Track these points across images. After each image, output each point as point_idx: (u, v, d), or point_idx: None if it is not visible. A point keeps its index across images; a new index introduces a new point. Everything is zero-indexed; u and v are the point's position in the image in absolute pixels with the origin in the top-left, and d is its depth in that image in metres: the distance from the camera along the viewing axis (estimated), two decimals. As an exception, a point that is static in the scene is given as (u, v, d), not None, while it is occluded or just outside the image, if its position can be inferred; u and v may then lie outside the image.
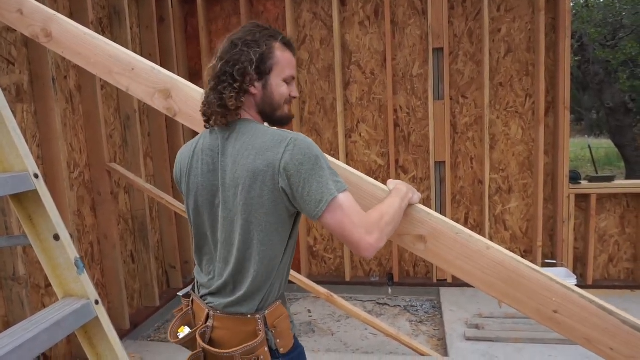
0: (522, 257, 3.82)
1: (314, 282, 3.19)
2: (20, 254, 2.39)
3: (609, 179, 3.79)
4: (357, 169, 3.96)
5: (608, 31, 8.71)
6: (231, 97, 1.23)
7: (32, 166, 1.00)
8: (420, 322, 3.54)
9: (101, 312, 1.00)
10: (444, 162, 3.82)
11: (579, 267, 3.82)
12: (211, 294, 1.35)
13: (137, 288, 3.61)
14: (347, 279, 4.07)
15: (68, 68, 2.99)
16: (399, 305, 3.80)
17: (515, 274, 1.33)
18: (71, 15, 3.03)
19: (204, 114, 1.31)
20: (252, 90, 1.28)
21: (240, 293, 1.28)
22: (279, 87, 1.29)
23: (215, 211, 1.31)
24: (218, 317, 1.30)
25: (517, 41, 3.71)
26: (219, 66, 1.27)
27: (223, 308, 1.29)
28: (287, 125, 1.38)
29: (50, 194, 1.42)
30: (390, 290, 3.95)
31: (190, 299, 1.42)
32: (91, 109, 3.11)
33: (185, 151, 1.40)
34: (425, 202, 3.94)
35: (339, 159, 3.93)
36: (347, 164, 4.00)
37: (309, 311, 3.79)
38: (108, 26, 3.40)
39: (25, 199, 0.99)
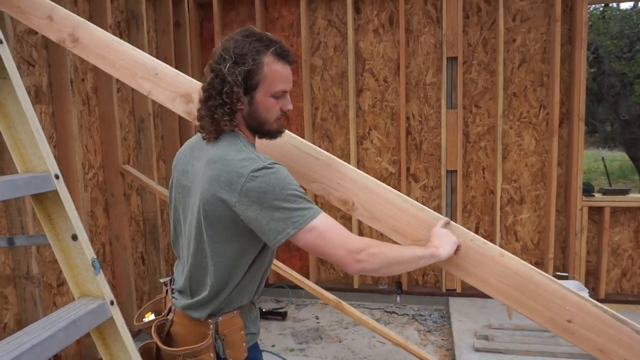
0: (533, 268, 3.81)
1: (322, 288, 3.19)
2: (34, 254, 2.43)
3: (624, 192, 3.74)
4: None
5: (624, 43, 8.63)
6: (225, 120, 1.23)
7: (53, 167, 1.01)
8: (428, 331, 3.51)
9: (116, 313, 1.02)
10: (456, 171, 3.81)
11: (591, 281, 3.77)
12: (177, 290, 1.38)
13: (146, 290, 3.63)
14: (356, 286, 4.06)
15: (86, 70, 3.04)
16: (407, 314, 3.78)
17: (529, 282, 1.32)
18: (90, 19, 3.08)
19: (198, 126, 1.31)
20: (239, 105, 1.26)
21: (195, 299, 1.30)
22: (265, 104, 1.26)
23: (186, 212, 1.33)
24: (178, 312, 1.34)
25: (532, 51, 3.69)
26: (209, 79, 1.26)
27: (181, 308, 1.32)
28: (276, 138, 1.36)
29: None
30: (398, 299, 3.93)
31: (167, 288, 1.46)
32: (107, 111, 3.15)
33: (186, 144, 1.44)
34: (436, 210, 3.90)
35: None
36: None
37: (317, 317, 3.78)
38: (126, 30, 3.45)
39: (46, 199, 1.01)
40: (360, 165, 4.04)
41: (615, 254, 3.75)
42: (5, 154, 2.30)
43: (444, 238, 1.30)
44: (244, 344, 1.33)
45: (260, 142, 1.39)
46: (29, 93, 2.61)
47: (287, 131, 1.45)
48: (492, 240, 3.79)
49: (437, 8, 3.78)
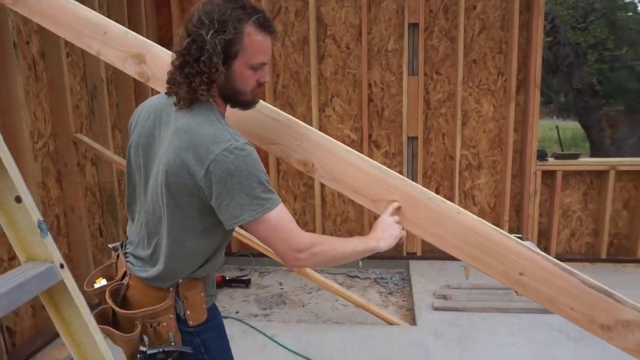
0: (490, 231, 3.95)
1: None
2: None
3: (574, 156, 3.90)
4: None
5: (579, 14, 8.87)
6: (202, 90, 1.18)
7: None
8: (389, 293, 3.61)
9: (67, 276, 0.98)
10: (417, 137, 3.86)
11: (543, 242, 3.95)
12: (133, 255, 1.35)
13: (104, 262, 3.55)
14: (320, 252, 4.11)
15: (30, 33, 2.85)
16: (369, 278, 3.87)
17: (484, 237, 1.37)
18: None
19: (171, 91, 1.24)
20: (216, 75, 1.20)
21: (154, 271, 1.27)
22: (243, 75, 1.22)
23: (147, 177, 1.29)
24: (134, 277, 1.31)
25: (491, 18, 3.73)
26: (185, 43, 1.18)
27: (142, 280, 1.29)
28: (249, 109, 1.33)
29: None
30: (360, 264, 4.01)
31: (117, 253, 1.42)
32: (56, 77, 2.99)
33: (145, 104, 1.37)
34: (398, 177, 3.98)
35: (312, 134, 3.92)
36: (321, 138, 3.99)
37: (280, 284, 3.81)
38: None
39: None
40: (322, 132, 4.01)
41: (566, 215, 3.93)
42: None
43: (388, 230, 1.35)
44: (204, 305, 1.32)
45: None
46: (-34, 55, 2.44)
47: None
48: (451, 205, 3.90)
49: (399, -27, 3.74)
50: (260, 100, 1.44)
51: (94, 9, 3.20)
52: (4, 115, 2.63)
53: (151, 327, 1.27)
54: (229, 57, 1.19)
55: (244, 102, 1.29)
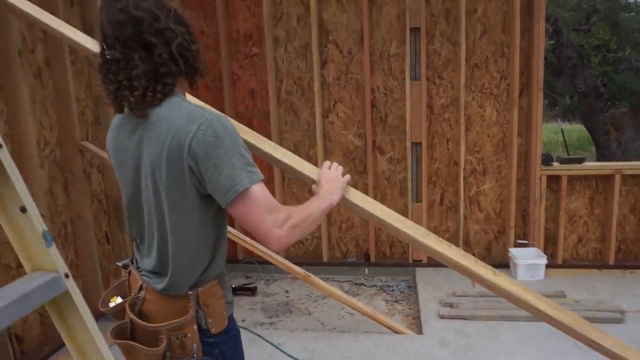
0: (496, 237, 3.93)
1: (291, 262, 3.20)
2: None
3: (580, 160, 3.88)
4: (334, 150, 3.99)
5: (582, 15, 8.85)
6: (170, 85, 1.18)
7: (-5, 136, 0.96)
8: (395, 301, 3.60)
9: (71, 286, 0.98)
10: (421, 143, 3.85)
11: (550, 247, 3.92)
12: (146, 270, 1.33)
13: (112, 269, 3.55)
14: (325, 259, 4.10)
15: (35, 41, 2.88)
16: (375, 285, 3.85)
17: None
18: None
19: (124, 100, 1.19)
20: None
21: (166, 279, 1.25)
22: (198, 52, 1.24)
23: (138, 189, 1.27)
24: (150, 289, 1.29)
25: (492, 22, 3.73)
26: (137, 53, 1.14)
27: (160, 291, 1.27)
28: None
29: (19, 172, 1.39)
30: (366, 271, 3.99)
31: (128, 270, 1.40)
32: (61, 84, 3.01)
33: (111, 126, 1.34)
34: (402, 183, 3.98)
35: (316, 140, 3.93)
36: (324, 144, 4.00)
37: (287, 292, 3.81)
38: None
39: (-12, 170, 0.95)
40: (326, 139, 4.03)
41: (572, 220, 3.90)
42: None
43: (334, 182, 1.36)
44: (225, 313, 1.31)
45: None
46: (-27, 65, 2.46)
47: None
48: (457, 211, 3.89)
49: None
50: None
51: (97, 7, 3.25)
52: (11, 123, 2.65)
53: (177, 339, 1.24)
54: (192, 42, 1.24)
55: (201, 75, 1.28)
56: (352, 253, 4.18)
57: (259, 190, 1.15)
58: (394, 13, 3.81)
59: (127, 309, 1.29)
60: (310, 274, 3.07)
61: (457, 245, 3.87)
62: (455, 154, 3.90)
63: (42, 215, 2.53)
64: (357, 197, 1.42)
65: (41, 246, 0.96)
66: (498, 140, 3.87)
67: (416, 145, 3.88)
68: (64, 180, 3.08)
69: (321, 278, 3.76)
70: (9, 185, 0.94)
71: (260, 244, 1.20)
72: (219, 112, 1.18)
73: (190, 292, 1.25)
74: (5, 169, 0.94)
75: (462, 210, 3.88)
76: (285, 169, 1.49)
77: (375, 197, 4.02)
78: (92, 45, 1.64)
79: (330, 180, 1.36)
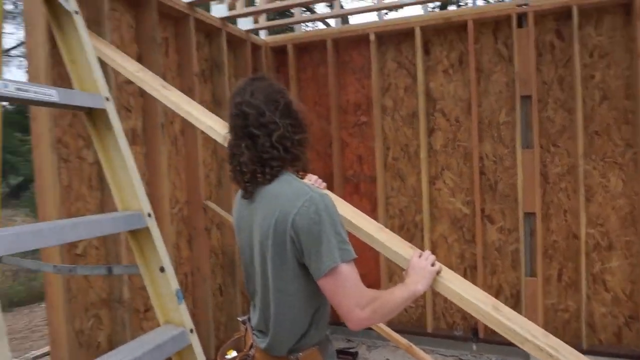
0: (627, 323, 3.49)
1: (393, 330, 3.14)
2: (126, 281, 2.65)
3: None
4: (442, 217, 3.93)
5: None
6: (277, 167, 1.36)
7: (146, 207, 1.16)
8: (505, 382, 3.31)
9: (195, 340, 1.11)
10: (534, 213, 3.65)
11: (695, 338, 3.38)
12: (254, 327, 1.45)
13: (223, 320, 3.78)
14: (429, 330, 3.95)
15: (174, 115, 3.33)
16: (483, 363, 3.60)
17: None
18: (179, 67, 3.41)
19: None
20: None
21: (268, 339, 1.35)
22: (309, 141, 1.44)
23: (252, 253, 1.41)
24: (258, 349, 1.39)
25: (613, 88, 3.52)
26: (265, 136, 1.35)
27: (263, 349, 1.37)
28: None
29: None
30: (474, 347, 3.76)
31: (245, 326, 1.52)
32: (192, 151, 3.42)
33: (240, 191, 1.53)
34: (514, 254, 3.77)
35: (422, 206, 3.92)
36: (431, 211, 3.97)
37: (387, 360, 3.71)
38: (209, 76, 3.76)
39: (140, 235, 1.15)
40: (433, 205, 4.00)
41: None
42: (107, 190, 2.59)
43: (422, 273, 1.38)
44: None
45: None
46: (127, 136, 2.92)
47: None
48: (577, 289, 3.56)
49: (508, 46, 3.75)
50: None
51: (224, 91, 3.68)
52: (151, 185, 3.06)
53: None
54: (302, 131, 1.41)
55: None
56: (459, 326, 3.97)
57: (348, 269, 1.23)
58: (503, 81, 3.79)
59: None
60: (413, 345, 2.98)
61: (579, 328, 3.51)
62: (574, 226, 3.62)
63: (163, 269, 2.80)
64: (454, 282, 1.41)
65: (174, 303, 1.11)
66: (626, 213, 3.53)
67: (529, 215, 3.68)
68: (188, 235, 3.41)
69: (425, 350, 3.62)
70: (154, 248, 1.12)
71: (342, 319, 1.26)
72: (323, 192, 1.30)
73: (291, 357, 1.32)
74: (152, 235, 1.12)
75: (584, 288, 3.53)
76: (379, 247, 1.54)
77: (484, 268, 3.85)
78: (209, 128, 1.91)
79: (419, 269, 1.39)
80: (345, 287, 1.22)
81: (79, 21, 1.24)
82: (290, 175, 1.37)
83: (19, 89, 1.03)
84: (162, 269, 1.12)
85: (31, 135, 2.36)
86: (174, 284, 1.11)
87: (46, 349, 3.91)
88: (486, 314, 1.33)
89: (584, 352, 3.41)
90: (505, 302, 3.78)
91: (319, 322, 1.36)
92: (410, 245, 1.54)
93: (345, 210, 1.55)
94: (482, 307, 1.34)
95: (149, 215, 1.15)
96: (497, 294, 3.85)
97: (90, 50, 1.25)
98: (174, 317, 1.11)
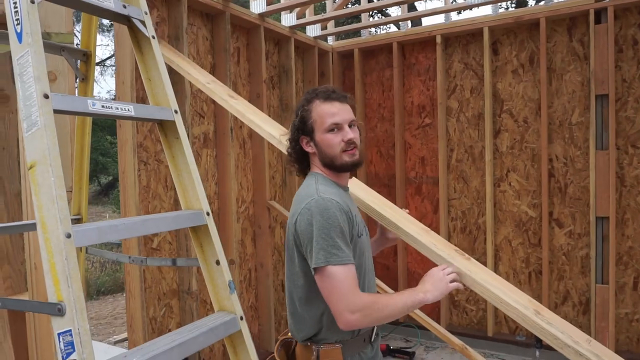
0: None
1: (453, 333, 3.14)
2: (195, 273, 2.89)
3: None
4: (505, 220, 3.86)
5: None
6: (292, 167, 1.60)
7: (205, 206, 1.31)
8: (572, 394, 3.18)
9: (244, 327, 1.24)
10: (608, 217, 3.46)
11: None
12: None
13: (284, 315, 3.96)
14: (490, 333, 3.87)
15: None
16: (547, 371, 3.47)
17: None
18: (249, 76, 3.63)
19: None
20: (310, 149, 1.49)
21: (291, 322, 1.49)
22: (324, 140, 1.45)
23: None
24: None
25: (703, 85, 3.25)
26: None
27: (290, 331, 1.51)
28: (354, 170, 1.51)
29: (222, 224, 1.80)
30: (538, 354, 3.63)
31: None
32: (259, 153, 3.63)
33: None
34: (583, 260, 3.60)
35: (486, 208, 3.85)
36: (495, 213, 3.89)
37: (446, 362, 3.69)
38: (277, 82, 3.95)
39: (200, 231, 1.30)
40: (497, 208, 3.92)
41: None
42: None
43: (436, 283, 1.39)
44: None
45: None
46: (199, 140, 3.18)
47: None
48: (655, 299, 3.34)
49: (584, 44, 3.58)
50: None
51: (292, 96, 3.86)
52: (220, 184, 3.30)
53: None
54: (310, 132, 1.47)
55: (342, 166, 1.46)
56: (522, 331, 3.86)
57: (339, 272, 1.30)
58: (577, 80, 3.63)
59: (277, 344, 1.56)
60: (467, 347, 2.96)
61: (655, 341, 3.30)
62: (653, 232, 3.39)
63: (233, 262, 3.05)
64: (493, 284, 1.43)
65: (226, 292, 1.25)
66: None
67: (602, 219, 3.50)
68: (253, 233, 3.63)
69: (484, 354, 3.59)
70: (212, 243, 1.28)
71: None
72: (327, 197, 1.37)
73: (314, 347, 1.42)
74: (209, 231, 1.28)
75: (662, 299, 3.30)
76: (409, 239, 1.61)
77: (550, 273, 3.71)
78: (269, 135, 2.07)
79: (433, 279, 1.42)
80: (335, 289, 1.30)
81: (155, 45, 1.43)
82: (314, 175, 1.49)
83: (103, 106, 1.22)
84: (217, 262, 1.26)
85: (117, 140, 2.66)
86: (227, 276, 1.25)
87: (126, 334, 4.32)
88: (525, 317, 1.34)
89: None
90: (573, 309, 3.64)
91: (323, 328, 1.42)
92: (456, 248, 1.58)
93: (377, 202, 1.65)
94: (522, 310, 1.35)
95: (208, 214, 1.30)
96: (564, 300, 3.70)
97: (164, 69, 1.43)
98: (227, 305, 1.25)
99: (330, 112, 1.44)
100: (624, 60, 3.48)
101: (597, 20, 3.49)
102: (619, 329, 3.49)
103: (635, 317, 3.47)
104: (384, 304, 1.33)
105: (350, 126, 1.47)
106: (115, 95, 2.80)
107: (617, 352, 3.42)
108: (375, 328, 1.53)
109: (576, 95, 3.63)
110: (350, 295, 1.30)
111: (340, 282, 1.30)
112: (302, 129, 1.49)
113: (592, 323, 3.49)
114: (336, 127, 1.44)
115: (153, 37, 1.44)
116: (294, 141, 1.52)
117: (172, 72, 2.86)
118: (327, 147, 1.45)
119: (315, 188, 1.42)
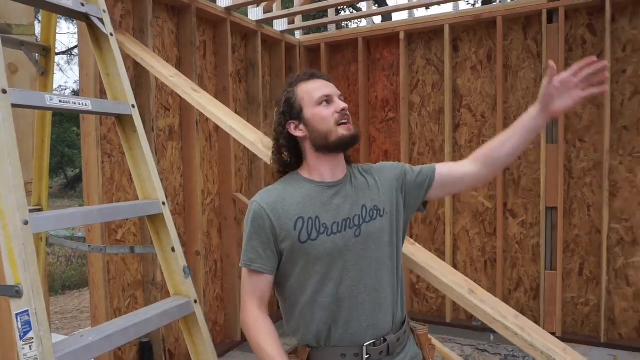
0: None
1: (414, 320, 3.27)
2: (159, 265, 2.94)
3: None
4: (464, 211, 4.02)
5: None
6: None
7: (162, 196, 1.38)
8: (521, 373, 3.39)
9: (198, 310, 1.33)
10: (556, 207, 3.67)
11: None
12: None
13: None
14: (448, 320, 4.05)
15: (209, 112, 3.61)
16: (500, 354, 3.67)
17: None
18: (215, 69, 3.67)
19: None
20: (300, 133, 1.32)
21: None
22: (316, 114, 1.29)
23: None
24: None
25: (644, 83, 3.47)
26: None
27: None
28: (353, 146, 1.35)
29: (188, 216, 1.89)
30: (492, 337, 3.83)
31: None
32: (225, 146, 3.68)
33: None
34: (535, 248, 3.81)
35: (445, 200, 4.01)
36: (454, 205, 4.06)
37: (407, 347, 3.84)
38: (244, 76, 4.01)
39: (156, 220, 1.38)
40: (456, 199, 4.09)
41: None
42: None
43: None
44: None
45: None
46: (164, 132, 3.22)
47: None
48: (599, 283, 3.57)
49: (538, 42, 3.76)
50: None
51: (259, 90, 3.92)
52: (185, 177, 3.34)
53: None
54: (298, 113, 1.31)
55: (338, 142, 1.29)
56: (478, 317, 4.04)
57: (244, 275, 1.31)
58: (531, 77, 3.81)
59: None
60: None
61: (599, 321, 3.53)
62: (597, 221, 3.61)
63: (199, 253, 3.12)
64: (434, 267, 1.55)
65: (181, 277, 1.33)
66: (652, 210, 3.49)
67: (551, 210, 3.71)
68: (219, 224, 3.69)
69: (443, 339, 3.76)
70: (166, 231, 1.35)
71: None
72: (254, 200, 1.32)
73: (297, 345, 1.32)
74: (166, 221, 1.35)
75: (604, 283, 3.53)
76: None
77: (505, 262, 3.91)
78: (230, 128, 2.13)
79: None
80: (243, 287, 1.31)
81: (113, 42, 1.49)
82: (292, 175, 1.40)
83: (61, 101, 1.28)
84: (173, 249, 1.34)
85: (81, 132, 2.68)
86: (182, 261, 1.33)
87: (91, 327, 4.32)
88: (460, 295, 1.47)
89: (603, 346, 3.45)
90: (525, 295, 3.85)
91: (298, 321, 1.30)
92: (465, 279, 1.60)
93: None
94: (457, 289, 1.48)
95: (164, 203, 1.37)
96: (517, 286, 3.91)
97: (121, 65, 1.49)
98: (182, 289, 1.33)
99: (318, 86, 1.33)
100: (573, 58, 3.67)
101: (550, 20, 3.67)
102: (566, 312, 3.71)
103: (580, 300, 3.70)
104: (255, 340, 1.24)
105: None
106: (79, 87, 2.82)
107: (563, 334, 3.65)
108: (385, 344, 1.31)
109: (530, 92, 3.81)
110: (244, 301, 1.30)
111: (243, 284, 1.31)
112: (288, 113, 1.32)
113: (542, 307, 3.70)
114: (327, 99, 1.31)
115: (111, 35, 1.49)
116: (281, 129, 1.34)
117: (137, 65, 2.89)
118: (320, 121, 1.29)
119: (268, 190, 1.36)
